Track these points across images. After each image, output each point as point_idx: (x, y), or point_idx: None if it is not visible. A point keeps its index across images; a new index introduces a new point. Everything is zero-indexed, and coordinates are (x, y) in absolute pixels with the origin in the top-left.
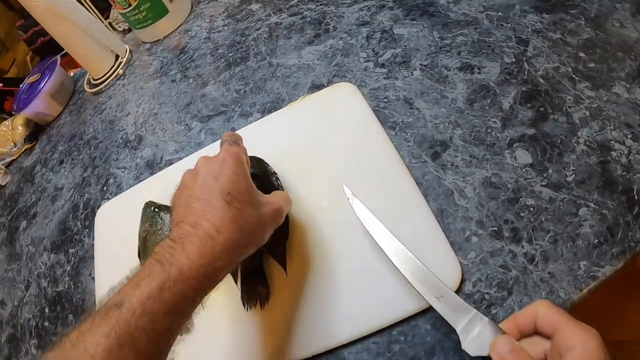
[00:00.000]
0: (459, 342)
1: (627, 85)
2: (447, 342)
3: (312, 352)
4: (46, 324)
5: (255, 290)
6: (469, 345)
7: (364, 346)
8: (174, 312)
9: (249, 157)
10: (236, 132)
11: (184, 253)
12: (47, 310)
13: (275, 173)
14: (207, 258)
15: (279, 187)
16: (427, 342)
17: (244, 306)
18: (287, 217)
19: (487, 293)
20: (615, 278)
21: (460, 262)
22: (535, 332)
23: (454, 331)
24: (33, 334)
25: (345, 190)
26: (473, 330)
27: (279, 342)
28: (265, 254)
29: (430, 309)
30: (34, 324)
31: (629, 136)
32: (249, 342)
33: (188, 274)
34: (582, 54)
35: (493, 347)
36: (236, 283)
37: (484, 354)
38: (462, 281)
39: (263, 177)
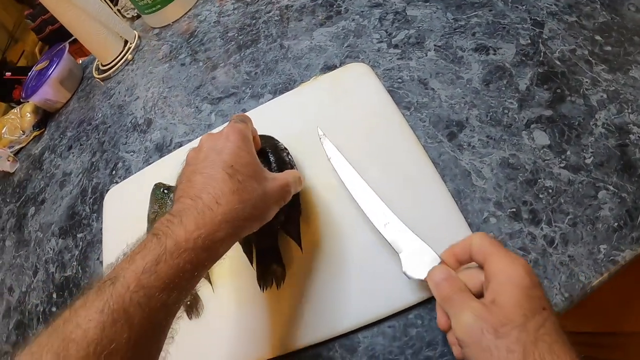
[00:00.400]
0: None
1: None
2: None
3: (325, 335)
4: (54, 309)
5: (270, 270)
6: (408, 268)
7: (380, 330)
8: (171, 287)
9: (259, 135)
10: (247, 112)
11: (180, 225)
12: (54, 295)
13: (286, 149)
14: (205, 229)
15: (290, 162)
16: None
17: (260, 286)
18: (299, 194)
19: None
20: (631, 266)
21: None
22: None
23: None
24: (41, 319)
25: (318, 131)
26: (414, 257)
27: (292, 326)
28: (280, 233)
29: None
30: (41, 309)
31: None
32: (261, 326)
33: (185, 246)
34: (598, 37)
35: (430, 275)
36: (251, 264)
37: (422, 277)
38: None
39: (273, 152)
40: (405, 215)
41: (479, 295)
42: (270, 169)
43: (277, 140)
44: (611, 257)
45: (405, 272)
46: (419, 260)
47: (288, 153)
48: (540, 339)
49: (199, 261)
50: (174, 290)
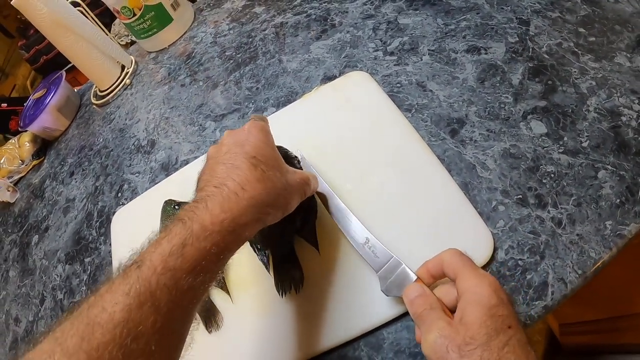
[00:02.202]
0: None
1: (628, 55)
2: None
3: (350, 335)
4: None
5: (288, 275)
6: (386, 288)
7: (404, 324)
8: (197, 270)
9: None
10: None
11: (206, 209)
12: None
13: (297, 157)
14: (231, 213)
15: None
16: None
17: (279, 292)
18: (313, 198)
19: (520, 259)
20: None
21: (491, 232)
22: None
23: None
24: None
25: (300, 153)
26: (391, 275)
27: (315, 329)
28: (296, 237)
29: None
30: None
31: (636, 101)
32: (284, 332)
33: (211, 228)
34: (581, 30)
35: (404, 292)
36: (268, 271)
37: (399, 295)
38: (495, 250)
39: (284, 160)
40: (419, 211)
41: (455, 309)
42: None
43: (286, 149)
44: (617, 232)
45: (383, 290)
46: (396, 278)
47: (299, 161)
48: (503, 358)
49: (225, 244)
50: (200, 273)
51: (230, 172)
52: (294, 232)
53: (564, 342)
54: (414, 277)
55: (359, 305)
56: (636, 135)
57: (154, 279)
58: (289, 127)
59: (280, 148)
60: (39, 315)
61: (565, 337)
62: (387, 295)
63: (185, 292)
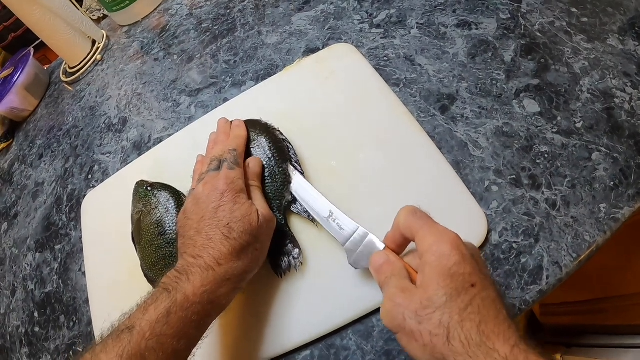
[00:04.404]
0: None
1: (621, 38)
2: None
3: (337, 323)
4: (37, 329)
5: (285, 253)
6: (354, 261)
7: None
8: (180, 335)
9: (254, 121)
10: (229, 101)
11: (188, 282)
12: (36, 314)
13: (278, 129)
14: (210, 286)
15: (290, 151)
16: None
17: (277, 273)
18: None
19: (515, 242)
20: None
21: (485, 213)
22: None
23: None
24: (24, 342)
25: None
26: (358, 247)
27: (300, 316)
28: (289, 214)
29: None
30: (23, 331)
31: (629, 84)
32: (266, 321)
33: (192, 299)
34: (574, 10)
35: (371, 262)
36: None
37: (367, 266)
38: (489, 232)
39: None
40: (408, 190)
41: None
42: (272, 162)
43: (266, 123)
44: (612, 215)
45: (351, 263)
46: (363, 249)
47: (280, 132)
48: (466, 319)
49: (205, 313)
50: (183, 338)
51: (206, 244)
52: (287, 206)
53: (544, 322)
54: (382, 247)
55: (346, 290)
56: (629, 118)
57: (143, 344)
58: (269, 102)
59: (259, 122)
60: (11, 308)
61: (546, 318)
62: (356, 268)
63: (170, 354)
